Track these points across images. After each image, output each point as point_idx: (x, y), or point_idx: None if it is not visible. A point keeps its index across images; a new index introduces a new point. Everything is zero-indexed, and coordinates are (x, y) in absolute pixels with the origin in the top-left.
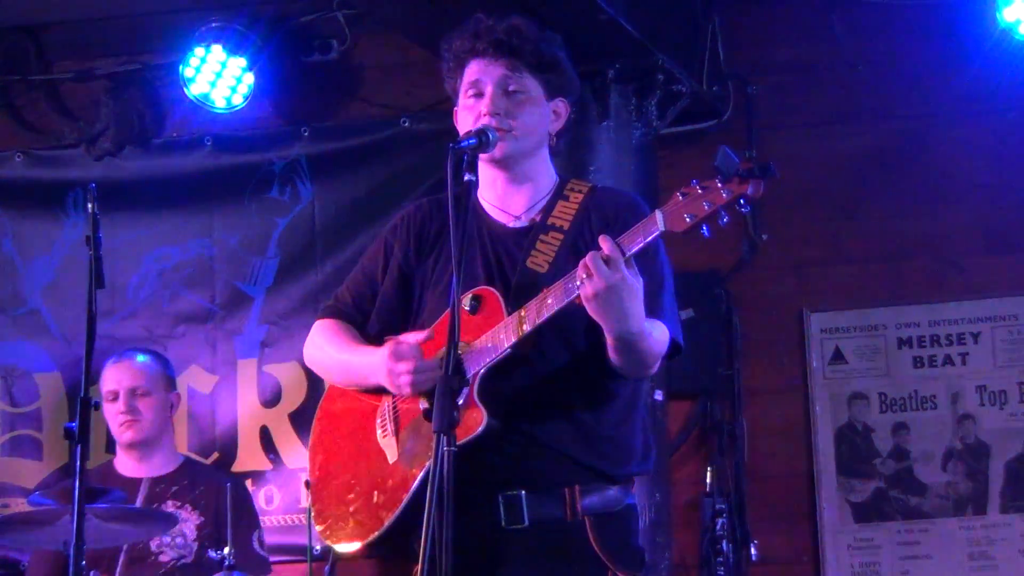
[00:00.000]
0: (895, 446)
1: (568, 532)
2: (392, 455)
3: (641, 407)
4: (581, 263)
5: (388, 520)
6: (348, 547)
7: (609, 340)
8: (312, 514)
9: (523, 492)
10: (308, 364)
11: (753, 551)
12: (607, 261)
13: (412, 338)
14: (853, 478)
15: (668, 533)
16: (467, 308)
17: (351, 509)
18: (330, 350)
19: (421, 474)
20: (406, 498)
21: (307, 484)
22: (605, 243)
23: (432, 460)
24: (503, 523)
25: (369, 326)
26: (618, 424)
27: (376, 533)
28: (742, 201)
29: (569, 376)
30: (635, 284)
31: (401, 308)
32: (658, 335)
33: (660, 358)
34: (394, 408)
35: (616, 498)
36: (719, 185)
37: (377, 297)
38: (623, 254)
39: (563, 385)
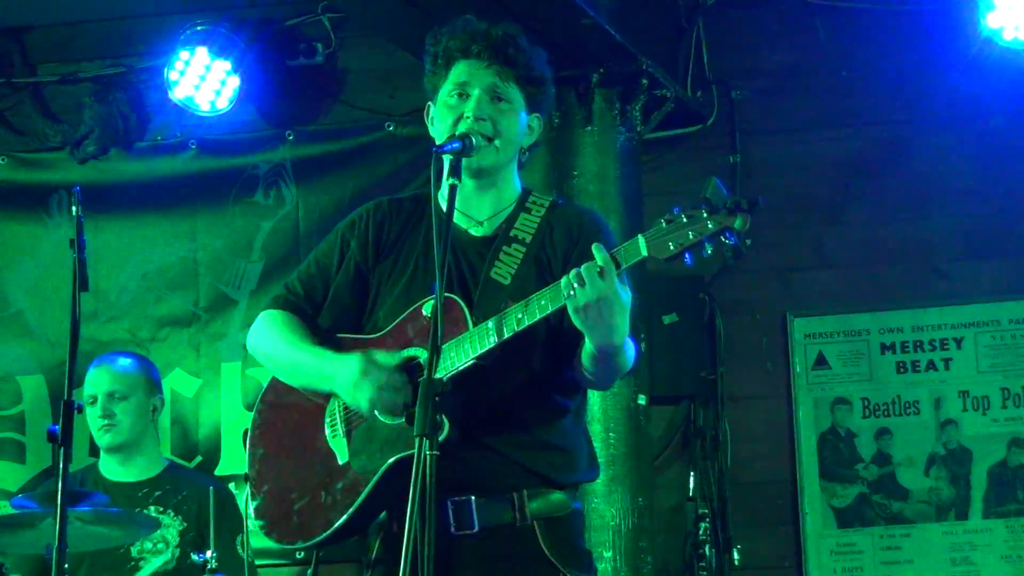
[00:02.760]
0: (878, 451)
1: (518, 536)
2: (343, 456)
3: (584, 421)
4: (575, 273)
5: (337, 521)
6: (290, 545)
7: (591, 350)
8: (251, 508)
9: (472, 497)
10: (252, 352)
11: (736, 556)
12: (600, 273)
13: (382, 358)
14: (836, 483)
15: (650, 538)
16: (428, 314)
17: (296, 507)
18: (281, 345)
19: (375, 477)
20: (358, 500)
21: (246, 478)
22: (600, 254)
23: (415, 464)
24: (452, 529)
25: (320, 319)
26: (566, 435)
27: (324, 534)
28: (727, 233)
29: (523, 388)
30: (625, 298)
31: (355, 306)
32: (630, 352)
33: (625, 373)
34: (345, 408)
35: (562, 502)
36: (705, 216)
37: (329, 291)
38: (617, 266)
39: (517, 396)
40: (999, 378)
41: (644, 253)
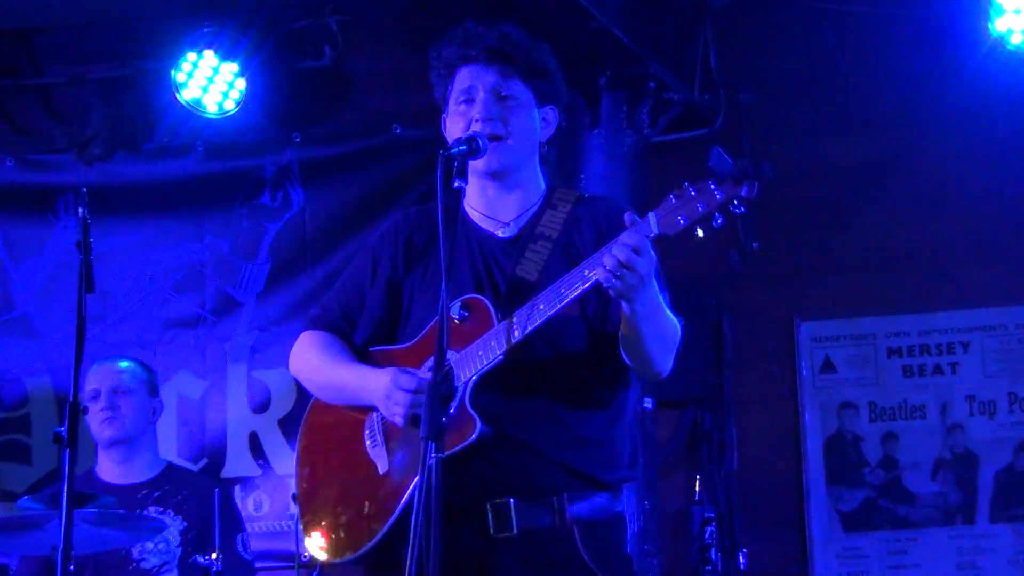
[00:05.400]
0: (884, 455)
1: (557, 541)
2: (383, 466)
3: (629, 415)
4: (615, 261)
5: (380, 531)
6: (340, 559)
7: (631, 313)
8: (301, 527)
9: (512, 500)
10: (295, 375)
11: (742, 560)
12: (637, 251)
13: (415, 371)
14: (842, 487)
15: (657, 541)
16: (456, 317)
17: (341, 521)
18: (320, 365)
19: (413, 483)
20: (398, 508)
21: (295, 498)
22: (629, 236)
23: (420, 467)
24: (492, 532)
25: (356, 335)
26: (606, 430)
27: (368, 544)
28: (736, 202)
29: (559, 383)
30: (656, 259)
31: (389, 318)
32: (671, 315)
33: (677, 339)
34: (383, 419)
35: (605, 506)
36: (712, 187)
37: (364, 306)
38: (650, 232)
39: (553, 392)
40: (1006, 383)
41: (656, 231)
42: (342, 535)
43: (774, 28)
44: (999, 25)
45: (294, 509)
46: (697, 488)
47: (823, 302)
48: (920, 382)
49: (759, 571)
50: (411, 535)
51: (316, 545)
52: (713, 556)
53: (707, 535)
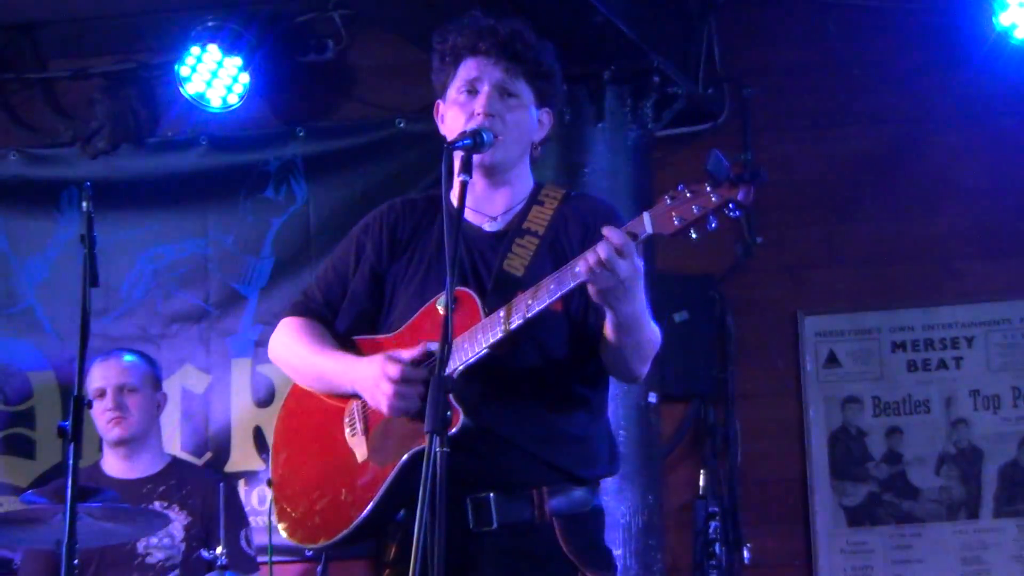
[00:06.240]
0: (888, 450)
1: (537, 534)
2: (361, 454)
3: (607, 415)
4: (596, 258)
5: (357, 519)
6: (314, 544)
7: (619, 321)
8: (274, 512)
9: (491, 494)
10: (274, 360)
11: (746, 554)
12: (620, 252)
13: (406, 355)
14: (846, 482)
15: (661, 536)
16: (441, 308)
17: (317, 507)
18: (301, 351)
19: (393, 472)
20: (376, 497)
21: (269, 483)
22: (615, 235)
23: (425, 461)
24: (471, 526)
25: (338, 323)
26: (586, 427)
27: (345, 531)
28: (732, 206)
29: (541, 379)
30: (641, 267)
31: (371, 307)
32: (654, 325)
33: (655, 349)
34: (363, 407)
35: (583, 500)
36: (708, 189)
37: (346, 295)
38: (635, 238)
39: (535, 388)
40: (1010, 377)
41: (649, 230)
42: (317, 521)
43: (777, 22)
44: (1003, 19)
45: (268, 496)
46: (701, 482)
47: (827, 296)
48: (924, 377)
49: (763, 565)
50: (415, 527)
51: (289, 530)
52: (717, 550)
53: (711, 529)
